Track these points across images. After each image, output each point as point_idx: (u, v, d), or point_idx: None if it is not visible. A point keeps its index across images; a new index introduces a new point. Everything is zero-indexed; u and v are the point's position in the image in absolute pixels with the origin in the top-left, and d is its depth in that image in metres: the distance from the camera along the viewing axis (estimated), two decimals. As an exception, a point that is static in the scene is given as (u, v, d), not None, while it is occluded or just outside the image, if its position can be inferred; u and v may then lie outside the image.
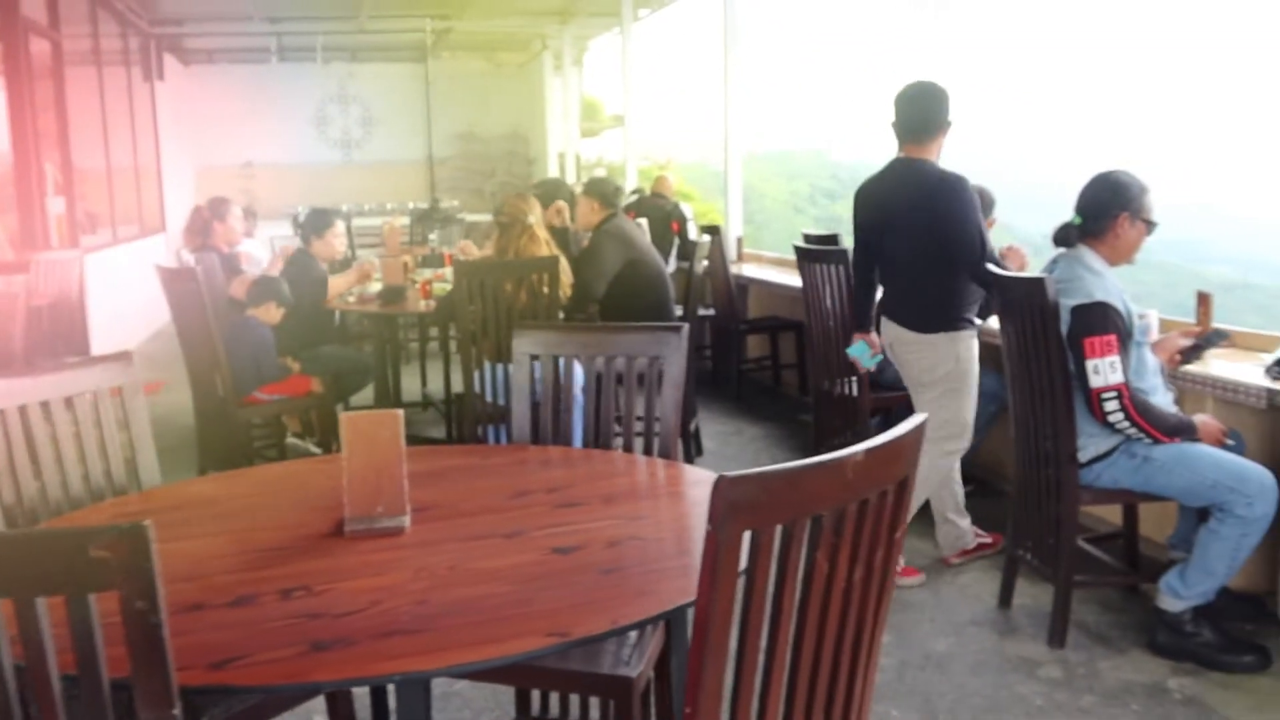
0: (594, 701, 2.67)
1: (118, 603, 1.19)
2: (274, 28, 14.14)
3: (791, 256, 5.42)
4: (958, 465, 4.11)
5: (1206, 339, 3.60)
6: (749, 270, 7.88)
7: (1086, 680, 3.19)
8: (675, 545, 1.89)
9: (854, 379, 4.68)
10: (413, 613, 1.56)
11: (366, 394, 5.97)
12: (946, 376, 3.93)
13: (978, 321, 4.01)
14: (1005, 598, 3.73)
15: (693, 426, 5.59)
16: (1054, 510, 3.40)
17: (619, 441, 5.81)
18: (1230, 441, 3.34)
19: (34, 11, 8.41)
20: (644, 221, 7.81)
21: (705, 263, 7.16)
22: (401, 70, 16.24)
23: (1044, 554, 3.49)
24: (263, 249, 7.49)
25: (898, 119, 3.94)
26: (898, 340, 4.05)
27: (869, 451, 1.40)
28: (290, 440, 5.49)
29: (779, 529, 1.36)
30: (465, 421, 5.14)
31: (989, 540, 4.15)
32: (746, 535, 1.32)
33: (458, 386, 5.48)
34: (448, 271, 6.05)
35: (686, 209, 8.44)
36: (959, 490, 4.14)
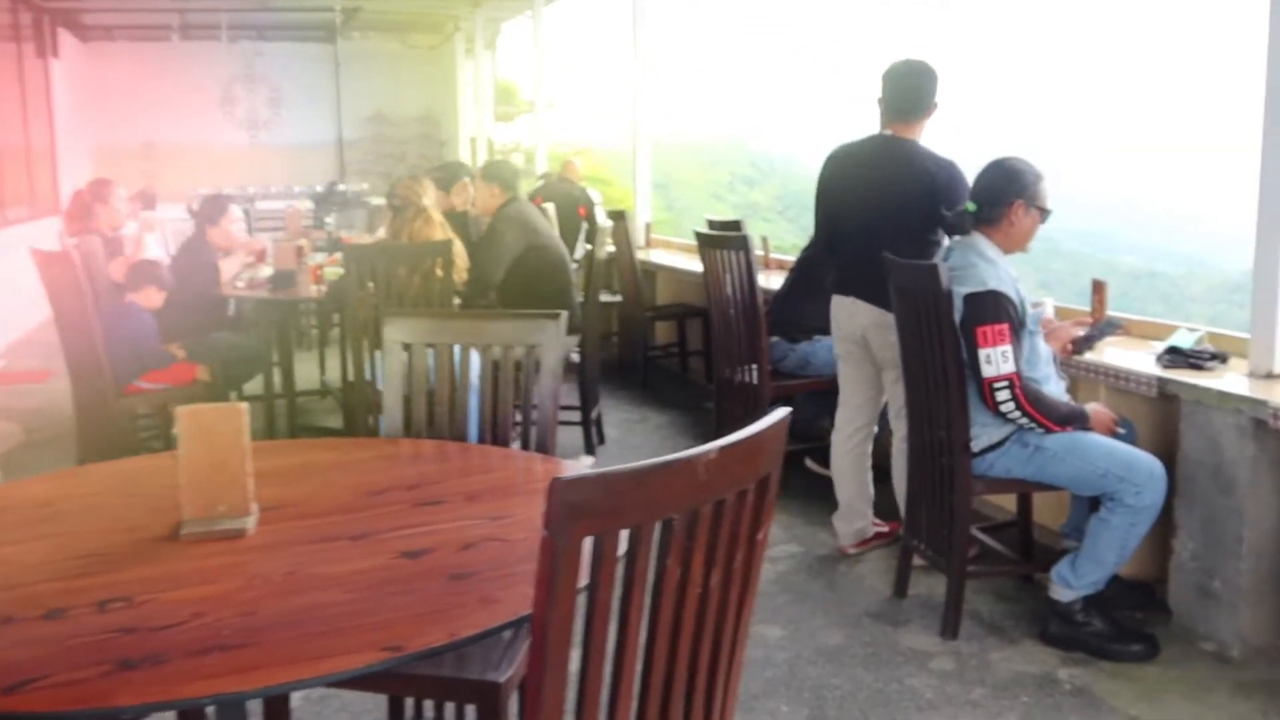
0: (470, 707, 2.56)
1: None
2: (177, 4, 13.66)
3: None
4: (869, 452, 4.08)
5: (1099, 329, 3.59)
6: (658, 256, 7.80)
7: (978, 672, 3.16)
8: (534, 547, 1.76)
9: (755, 367, 4.61)
10: (237, 625, 1.43)
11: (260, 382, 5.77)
12: None
13: None
14: (900, 588, 3.70)
15: (594, 414, 5.49)
16: (947, 500, 3.36)
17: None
18: (1121, 430, 3.34)
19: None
20: (550, 207, 7.69)
21: (611, 248, 7.08)
22: (311, 50, 15.84)
23: (937, 545, 3.45)
24: (156, 231, 7.21)
25: (885, 95, 3.83)
26: (877, 323, 3.84)
27: (724, 449, 1.31)
28: (177, 431, 5.27)
29: (625, 534, 1.27)
30: (356, 411, 4.98)
31: (886, 529, 4.12)
32: (589, 541, 1.23)
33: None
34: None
35: (594, 194, 8.34)
36: (869, 479, 4.10)
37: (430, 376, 2.53)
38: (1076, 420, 3.24)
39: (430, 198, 4.82)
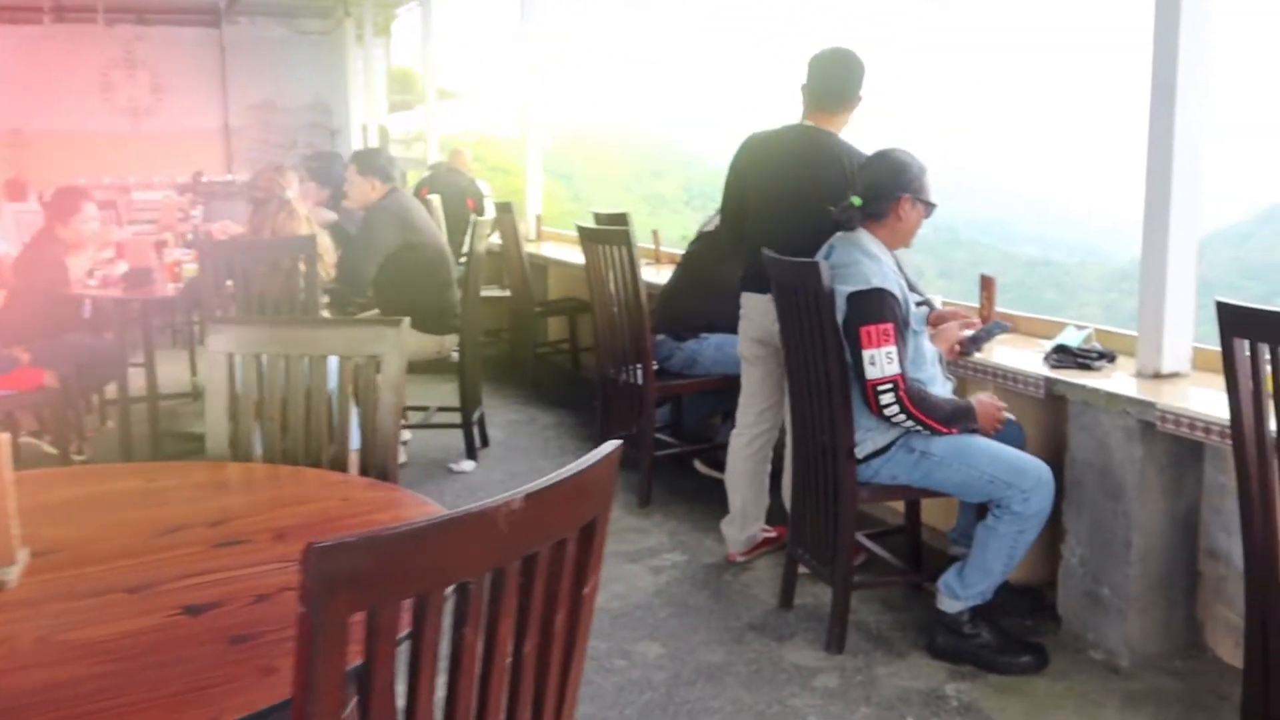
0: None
1: None
2: (49, -16, 13.00)
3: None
4: (770, 458, 3.92)
5: (987, 330, 3.47)
6: (550, 249, 7.57)
7: (863, 689, 3.02)
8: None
9: (639, 366, 4.43)
10: (-47, 714, 1.19)
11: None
12: None
13: None
14: (786, 599, 3.54)
15: (476, 416, 5.26)
16: (831, 508, 3.21)
17: (406, 434, 5.43)
18: (1009, 416, 3.22)
19: None
20: (436, 199, 7.42)
21: (498, 241, 6.84)
22: (194, 35, 15.19)
23: (822, 554, 3.30)
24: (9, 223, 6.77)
25: (809, 83, 3.62)
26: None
27: (531, 498, 1.10)
28: (24, 440, 4.91)
29: (408, 602, 1.06)
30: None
31: (774, 534, 3.96)
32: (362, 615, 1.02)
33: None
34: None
35: (484, 185, 8.07)
36: (767, 484, 3.94)
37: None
38: (963, 418, 3.11)
39: (294, 190, 4.52)
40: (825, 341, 3.08)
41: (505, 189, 12.59)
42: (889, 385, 3.01)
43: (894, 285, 3.10)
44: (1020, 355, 3.51)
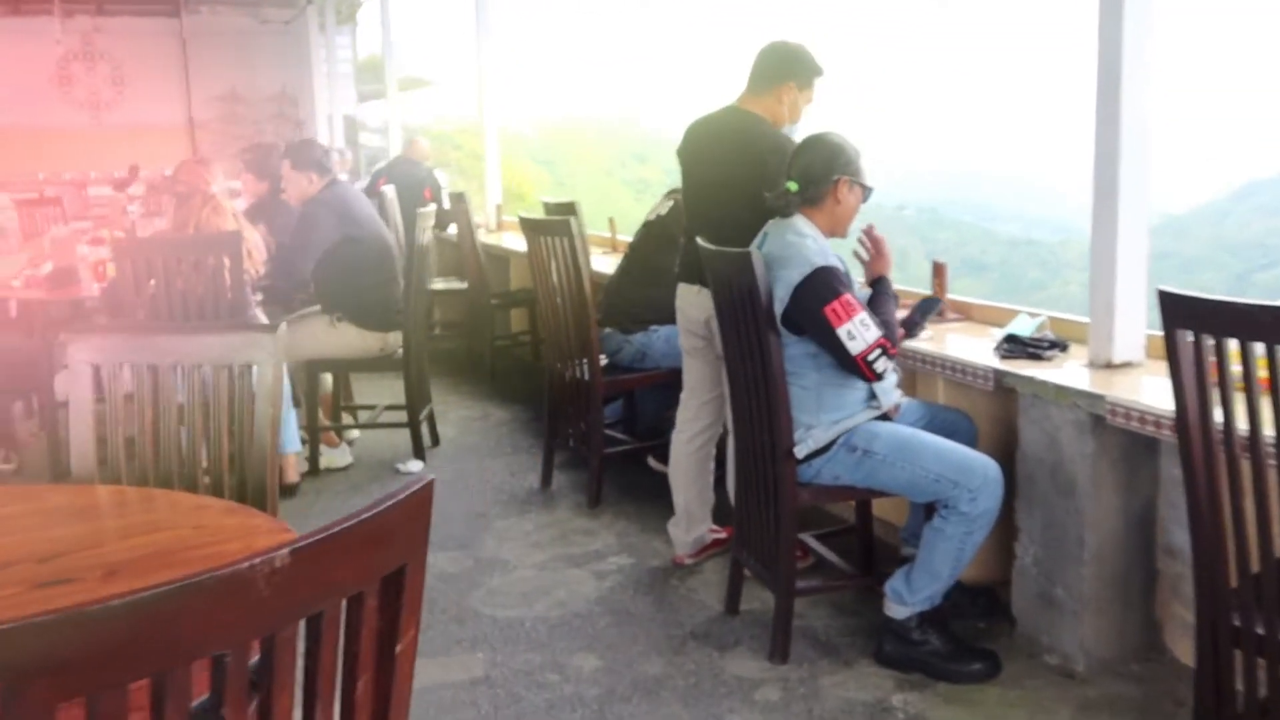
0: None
1: None
2: (1, -26, 12.73)
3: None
4: (713, 454, 3.76)
5: (920, 309, 3.33)
6: (510, 240, 7.38)
7: (806, 702, 2.85)
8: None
9: (585, 361, 4.25)
10: None
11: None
12: None
13: None
14: (732, 604, 3.38)
15: (424, 414, 5.08)
16: (772, 510, 3.04)
17: (353, 434, 5.22)
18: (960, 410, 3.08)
19: None
20: (391, 189, 7.23)
21: (451, 231, 6.66)
22: (155, 25, 14.90)
23: (765, 558, 3.14)
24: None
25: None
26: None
27: (300, 551, 0.93)
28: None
29: (141, 684, 0.89)
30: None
31: (724, 535, 3.79)
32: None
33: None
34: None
35: (440, 175, 7.87)
36: (711, 482, 3.78)
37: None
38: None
39: (220, 184, 4.32)
40: (759, 334, 2.92)
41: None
42: (878, 350, 2.88)
43: (834, 259, 2.95)
44: (971, 345, 3.35)
